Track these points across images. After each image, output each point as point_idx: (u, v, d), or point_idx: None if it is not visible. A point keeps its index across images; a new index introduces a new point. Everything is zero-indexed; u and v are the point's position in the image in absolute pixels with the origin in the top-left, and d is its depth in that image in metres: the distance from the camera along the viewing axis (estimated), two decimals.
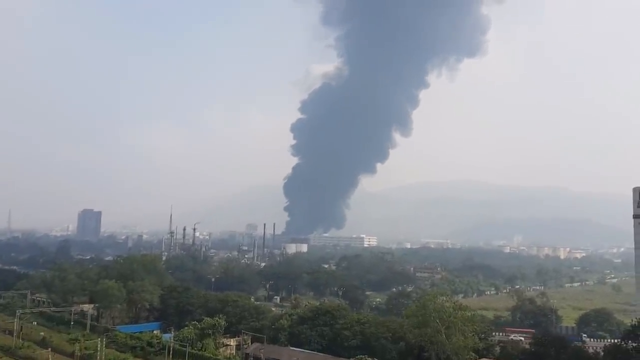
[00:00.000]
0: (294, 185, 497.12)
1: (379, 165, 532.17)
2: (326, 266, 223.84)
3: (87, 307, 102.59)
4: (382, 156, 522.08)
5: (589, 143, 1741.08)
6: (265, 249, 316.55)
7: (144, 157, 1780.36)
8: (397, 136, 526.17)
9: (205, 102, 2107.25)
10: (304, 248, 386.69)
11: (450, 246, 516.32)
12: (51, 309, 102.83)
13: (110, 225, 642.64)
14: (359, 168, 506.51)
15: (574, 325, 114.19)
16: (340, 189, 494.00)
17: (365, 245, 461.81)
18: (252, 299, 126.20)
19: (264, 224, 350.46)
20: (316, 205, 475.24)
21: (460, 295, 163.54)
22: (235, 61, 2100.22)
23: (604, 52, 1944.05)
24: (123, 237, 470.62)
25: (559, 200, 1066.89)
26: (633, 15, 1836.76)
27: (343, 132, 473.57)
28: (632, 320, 60.73)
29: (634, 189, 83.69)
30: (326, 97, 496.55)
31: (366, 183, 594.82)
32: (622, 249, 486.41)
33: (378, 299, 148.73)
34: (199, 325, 79.87)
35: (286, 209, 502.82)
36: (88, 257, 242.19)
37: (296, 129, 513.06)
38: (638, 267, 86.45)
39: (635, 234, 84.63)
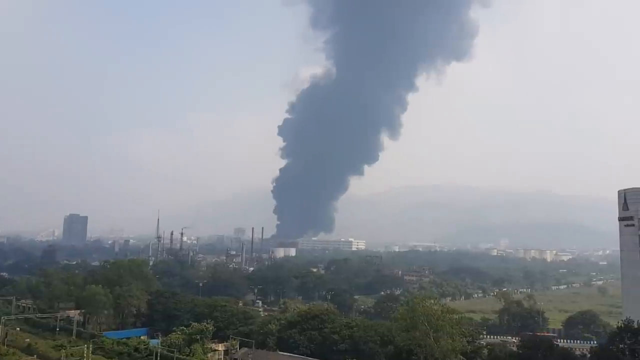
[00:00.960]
0: (282, 188, 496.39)
1: (367, 169, 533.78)
2: (314, 270, 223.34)
3: (73, 313, 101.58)
4: (371, 159, 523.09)
5: (573, 146, 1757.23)
6: (254, 253, 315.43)
7: (131, 162, 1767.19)
8: (385, 139, 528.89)
9: (192, 106, 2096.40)
10: (293, 252, 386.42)
11: (438, 249, 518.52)
12: (37, 315, 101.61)
13: (96, 230, 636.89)
14: (348, 170, 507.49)
15: (561, 327, 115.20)
16: (329, 191, 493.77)
17: (354, 249, 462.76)
18: (240, 304, 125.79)
19: (252, 228, 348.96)
20: (305, 208, 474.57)
21: (448, 298, 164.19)
22: (223, 65, 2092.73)
23: (589, 56, 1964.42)
24: (110, 242, 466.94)
25: (544, 204, 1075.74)
26: (619, 20, 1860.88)
27: (331, 134, 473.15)
28: (618, 322, 61.29)
29: (619, 192, 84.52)
30: (314, 99, 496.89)
31: (354, 186, 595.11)
32: (608, 252, 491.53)
33: (366, 303, 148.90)
34: (186, 331, 79.40)
35: (275, 212, 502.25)
36: (74, 263, 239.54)
37: (284, 130, 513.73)
38: (623, 269, 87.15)
39: (621, 236, 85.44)
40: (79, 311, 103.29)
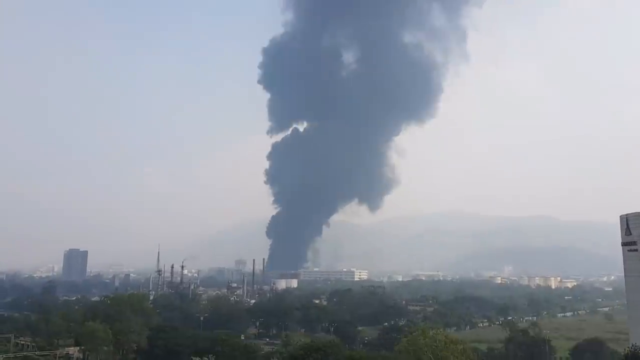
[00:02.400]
0: (277, 223, 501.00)
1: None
2: (317, 301, 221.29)
3: (73, 350, 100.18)
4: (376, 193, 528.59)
5: (574, 171, 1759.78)
6: (255, 285, 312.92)
7: (130, 196, 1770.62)
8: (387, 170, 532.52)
9: (190, 139, 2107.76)
10: (294, 283, 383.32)
11: (441, 278, 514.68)
12: (36, 352, 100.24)
13: (96, 264, 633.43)
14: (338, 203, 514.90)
15: (568, 356, 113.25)
16: (314, 226, 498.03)
17: (356, 279, 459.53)
18: (242, 338, 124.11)
19: (253, 260, 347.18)
20: (295, 243, 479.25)
21: (453, 328, 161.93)
22: (220, 95, 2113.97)
23: (583, 81, 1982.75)
24: (110, 277, 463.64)
25: (546, 229, 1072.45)
26: (626, 43, 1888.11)
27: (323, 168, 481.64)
28: (625, 349, 60.32)
29: (621, 217, 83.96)
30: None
31: (355, 217, 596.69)
32: (613, 277, 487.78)
33: (370, 334, 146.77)
34: None
35: (271, 246, 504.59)
36: (74, 298, 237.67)
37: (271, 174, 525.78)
38: (629, 295, 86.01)
39: (625, 261, 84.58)
40: (78, 348, 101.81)
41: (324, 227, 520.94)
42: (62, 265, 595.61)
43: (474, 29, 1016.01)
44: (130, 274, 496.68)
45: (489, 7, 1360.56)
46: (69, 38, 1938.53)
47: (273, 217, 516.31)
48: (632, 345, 59.33)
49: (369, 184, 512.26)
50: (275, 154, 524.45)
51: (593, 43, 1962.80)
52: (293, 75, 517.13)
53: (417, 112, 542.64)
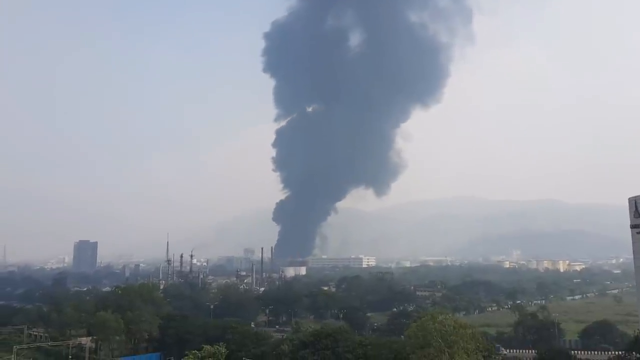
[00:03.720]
0: (284, 210, 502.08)
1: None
2: (325, 288, 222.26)
3: (85, 340, 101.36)
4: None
5: (581, 154, 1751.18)
6: (264, 273, 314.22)
7: (139, 186, 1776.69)
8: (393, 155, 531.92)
9: (195, 130, 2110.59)
10: (303, 271, 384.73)
11: (449, 263, 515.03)
12: (49, 343, 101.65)
13: (106, 255, 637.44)
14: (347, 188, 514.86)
15: (577, 338, 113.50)
16: (320, 212, 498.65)
17: (364, 266, 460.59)
18: (252, 325, 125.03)
19: (262, 248, 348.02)
20: (303, 230, 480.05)
21: (462, 313, 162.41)
22: (227, 82, 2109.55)
23: (598, 63, 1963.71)
24: (120, 267, 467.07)
25: (553, 213, 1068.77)
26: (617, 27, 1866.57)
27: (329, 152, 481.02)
28: (635, 331, 60.37)
29: (629, 199, 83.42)
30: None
31: (362, 203, 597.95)
32: (621, 260, 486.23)
33: (379, 320, 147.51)
34: (198, 354, 78.61)
35: (279, 233, 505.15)
36: (85, 289, 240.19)
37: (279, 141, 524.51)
38: (638, 277, 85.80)
39: (633, 244, 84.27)
40: (90, 338, 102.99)
41: (331, 213, 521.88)
42: (72, 256, 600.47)
43: (479, 11, 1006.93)
44: (140, 264, 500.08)
45: None
46: (70, 32, 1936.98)
47: (280, 202, 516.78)
48: None
49: (376, 168, 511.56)
50: (282, 138, 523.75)
51: (600, 22, 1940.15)
52: (298, 60, 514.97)
53: (424, 95, 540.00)
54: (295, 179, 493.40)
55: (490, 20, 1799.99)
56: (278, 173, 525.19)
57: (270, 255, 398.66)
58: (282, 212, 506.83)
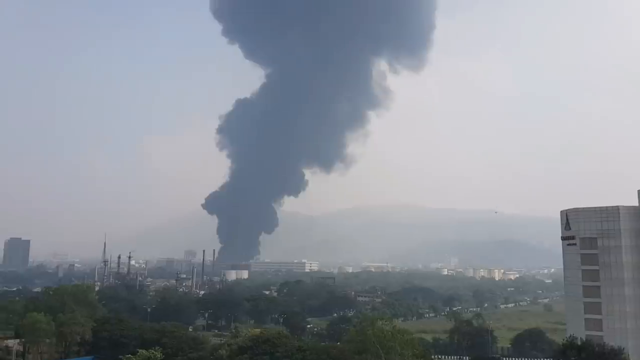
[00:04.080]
0: (221, 204, 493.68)
1: (318, 191, 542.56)
2: (267, 292, 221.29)
3: (12, 343, 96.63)
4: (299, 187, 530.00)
5: (518, 167, 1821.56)
6: (205, 277, 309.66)
7: (76, 183, 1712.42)
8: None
9: (140, 126, 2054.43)
10: (245, 274, 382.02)
11: (390, 269, 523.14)
12: None
13: (39, 254, 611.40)
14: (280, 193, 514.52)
15: (509, 345, 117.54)
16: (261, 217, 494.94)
17: (307, 270, 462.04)
18: (190, 329, 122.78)
19: (203, 251, 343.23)
20: (246, 234, 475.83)
21: (401, 319, 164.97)
22: (165, 87, 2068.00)
23: (544, 73, 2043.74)
24: (53, 267, 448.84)
25: (491, 223, 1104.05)
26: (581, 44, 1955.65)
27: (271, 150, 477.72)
28: (563, 339, 63.08)
29: (561, 212, 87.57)
30: (249, 115, 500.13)
31: (304, 208, 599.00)
32: (553, 270, 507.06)
33: (319, 325, 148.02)
34: (133, 358, 76.62)
35: (218, 232, 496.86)
36: (14, 289, 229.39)
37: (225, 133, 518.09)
38: (567, 287, 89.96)
39: (564, 255, 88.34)
40: (18, 340, 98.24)
41: (274, 218, 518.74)
42: (2, 254, 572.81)
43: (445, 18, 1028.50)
44: (75, 265, 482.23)
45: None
46: (51, 35, 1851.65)
47: (216, 192, 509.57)
48: (570, 336, 62.19)
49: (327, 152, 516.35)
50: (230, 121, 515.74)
51: (567, 34, 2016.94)
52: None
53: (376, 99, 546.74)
54: (241, 164, 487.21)
55: (448, 25, 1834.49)
56: (225, 151, 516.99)
57: (212, 259, 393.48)
58: (218, 202, 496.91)
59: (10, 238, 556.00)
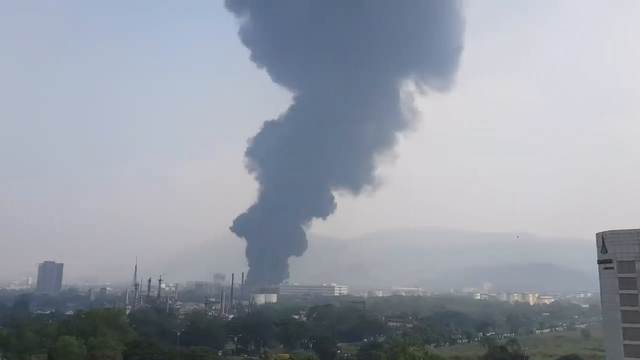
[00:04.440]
0: (250, 226, 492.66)
1: (347, 214, 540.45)
2: (296, 317, 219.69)
3: None
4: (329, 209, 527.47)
5: (553, 189, 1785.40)
6: (234, 300, 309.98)
7: (108, 207, 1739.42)
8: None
9: (168, 153, 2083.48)
10: (274, 298, 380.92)
11: (421, 294, 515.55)
12: None
13: (72, 277, 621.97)
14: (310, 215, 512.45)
15: None
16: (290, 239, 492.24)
17: (336, 294, 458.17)
18: (219, 353, 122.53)
19: (232, 274, 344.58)
20: (276, 257, 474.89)
21: (433, 345, 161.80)
22: (194, 112, 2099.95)
23: (561, 95, 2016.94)
24: (85, 290, 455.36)
25: (525, 246, 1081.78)
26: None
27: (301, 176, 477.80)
28: None
29: (597, 235, 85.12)
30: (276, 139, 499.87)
31: (335, 231, 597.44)
32: (589, 294, 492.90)
33: (350, 351, 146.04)
34: None
35: (247, 254, 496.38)
36: (48, 312, 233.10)
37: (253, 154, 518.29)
38: (604, 312, 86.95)
39: (601, 279, 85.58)
40: None
41: (303, 240, 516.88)
42: (36, 278, 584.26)
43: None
44: (107, 288, 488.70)
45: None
46: (57, 39, 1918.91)
47: (245, 214, 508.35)
48: None
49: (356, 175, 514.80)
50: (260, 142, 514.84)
51: (589, 55, 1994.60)
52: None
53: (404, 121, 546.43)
54: (270, 186, 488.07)
55: (477, 46, 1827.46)
56: (254, 174, 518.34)
57: (241, 282, 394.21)
58: (246, 224, 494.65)
59: (45, 262, 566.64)
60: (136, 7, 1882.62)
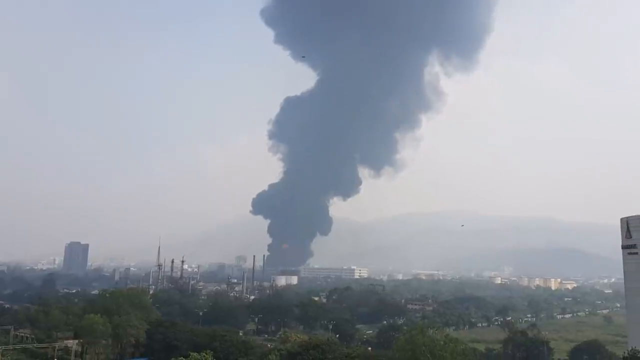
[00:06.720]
0: (272, 203, 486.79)
1: (368, 196, 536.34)
2: (316, 299, 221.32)
3: (71, 343, 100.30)
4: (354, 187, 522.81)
5: (577, 172, 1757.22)
6: (255, 282, 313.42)
7: (133, 188, 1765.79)
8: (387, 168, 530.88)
9: (192, 134, 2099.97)
10: (294, 280, 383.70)
11: (441, 277, 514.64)
12: (34, 345, 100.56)
13: (97, 258, 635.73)
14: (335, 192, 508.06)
15: (566, 357, 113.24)
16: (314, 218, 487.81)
17: (356, 277, 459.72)
18: (240, 334, 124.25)
19: (254, 256, 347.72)
20: (297, 238, 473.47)
21: (452, 328, 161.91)
22: (221, 97, 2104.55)
23: (608, 79, 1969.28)
24: (110, 270, 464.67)
25: (548, 230, 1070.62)
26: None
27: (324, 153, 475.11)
28: (623, 352, 60.28)
29: (622, 220, 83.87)
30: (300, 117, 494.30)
31: (355, 214, 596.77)
32: (613, 279, 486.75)
33: (369, 333, 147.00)
34: None
35: (268, 231, 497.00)
36: (74, 291, 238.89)
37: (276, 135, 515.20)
38: (628, 298, 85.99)
39: (624, 264, 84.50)
40: (77, 341, 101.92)
41: (328, 218, 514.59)
42: (63, 258, 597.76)
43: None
44: (131, 268, 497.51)
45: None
46: (63, 39, 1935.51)
47: (264, 192, 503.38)
48: (632, 348, 59.31)
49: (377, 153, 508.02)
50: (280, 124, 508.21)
51: (622, 36, 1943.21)
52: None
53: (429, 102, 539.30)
54: (293, 164, 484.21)
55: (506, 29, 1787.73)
56: (277, 155, 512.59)
57: (262, 264, 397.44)
58: (267, 202, 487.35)
59: (71, 242, 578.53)
60: None
